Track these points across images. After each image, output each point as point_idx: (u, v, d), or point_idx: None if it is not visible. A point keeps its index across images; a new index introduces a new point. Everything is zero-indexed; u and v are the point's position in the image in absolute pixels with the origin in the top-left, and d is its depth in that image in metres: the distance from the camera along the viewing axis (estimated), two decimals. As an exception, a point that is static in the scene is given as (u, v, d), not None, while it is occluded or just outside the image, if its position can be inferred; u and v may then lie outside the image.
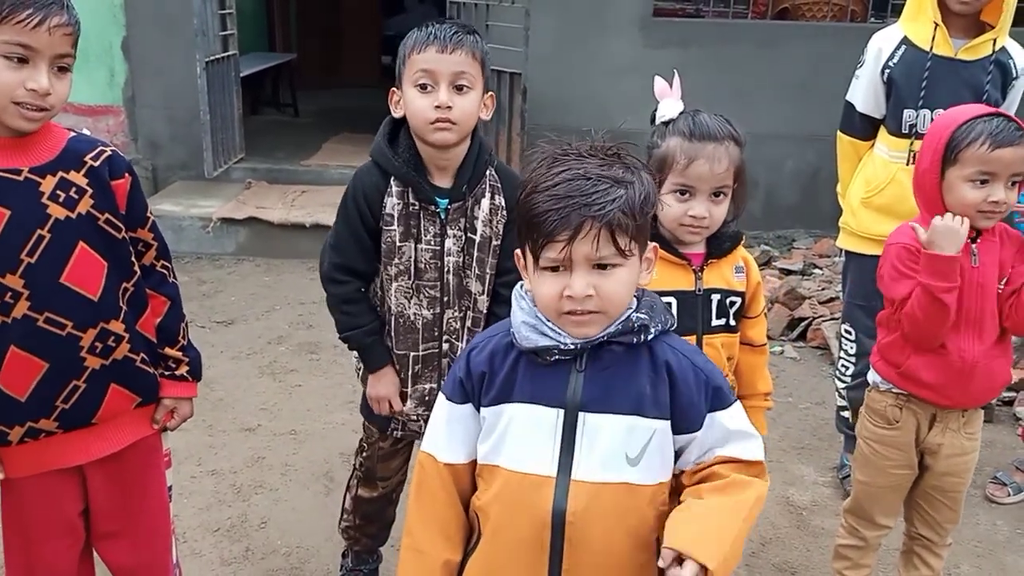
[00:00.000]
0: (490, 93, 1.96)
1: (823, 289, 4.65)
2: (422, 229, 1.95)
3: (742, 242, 1.93)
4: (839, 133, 2.95)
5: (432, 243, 1.96)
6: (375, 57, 9.75)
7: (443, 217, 1.95)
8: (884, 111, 2.78)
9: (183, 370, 1.83)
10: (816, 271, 5.01)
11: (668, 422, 1.36)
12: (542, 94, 5.39)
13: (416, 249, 1.96)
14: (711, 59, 5.56)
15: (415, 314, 1.99)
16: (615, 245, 1.26)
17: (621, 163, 1.30)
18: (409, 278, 1.97)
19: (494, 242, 2.00)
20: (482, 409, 1.39)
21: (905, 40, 2.70)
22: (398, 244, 1.95)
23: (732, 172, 1.79)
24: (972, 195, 1.92)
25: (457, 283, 2.00)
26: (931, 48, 2.65)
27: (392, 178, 1.93)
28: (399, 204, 1.93)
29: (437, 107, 1.84)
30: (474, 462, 1.42)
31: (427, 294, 1.99)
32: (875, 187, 2.79)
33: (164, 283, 1.82)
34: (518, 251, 1.38)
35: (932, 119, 2.64)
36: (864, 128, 2.85)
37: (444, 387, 1.45)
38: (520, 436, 1.36)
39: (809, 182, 5.75)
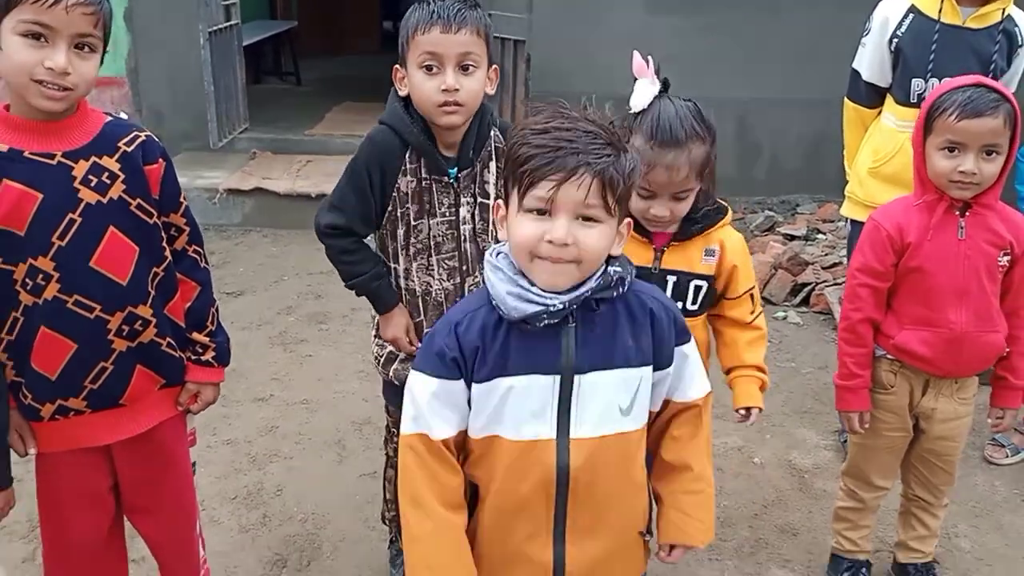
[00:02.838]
0: (494, 67, 1.94)
1: (826, 254, 4.68)
2: (436, 203, 1.96)
3: (723, 223, 1.91)
4: (846, 100, 2.97)
5: (447, 214, 1.98)
6: (376, 23, 9.70)
7: (456, 186, 1.97)
8: (890, 80, 2.80)
9: (209, 355, 1.86)
10: (820, 236, 5.04)
11: (651, 367, 1.44)
12: (545, 61, 5.37)
13: (432, 224, 1.97)
14: (714, 25, 5.54)
15: (438, 289, 2.02)
16: (603, 199, 1.29)
17: (614, 132, 1.35)
18: (429, 254, 1.99)
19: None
20: (474, 385, 1.40)
21: (913, 8, 2.71)
22: (414, 223, 1.97)
23: (694, 173, 1.78)
24: (942, 164, 1.95)
25: (475, 250, 2.02)
26: (939, 16, 2.66)
27: (408, 150, 1.93)
28: (412, 182, 1.95)
29: (444, 90, 1.83)
30: (462, 432, 1.44)
31: (446, 266, 2.01)
32: (882, 156, 2.81)
33: (195, 268, 1.84)
34: (498, 201, 1.40)
35: None
36: (870, 96, 2.87)
37: (424, 366, 1.42)
38: (518, 406, 1.39)
39: (813, 147, 5.75)
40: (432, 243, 1.99)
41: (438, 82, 1.84)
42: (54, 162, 1.60)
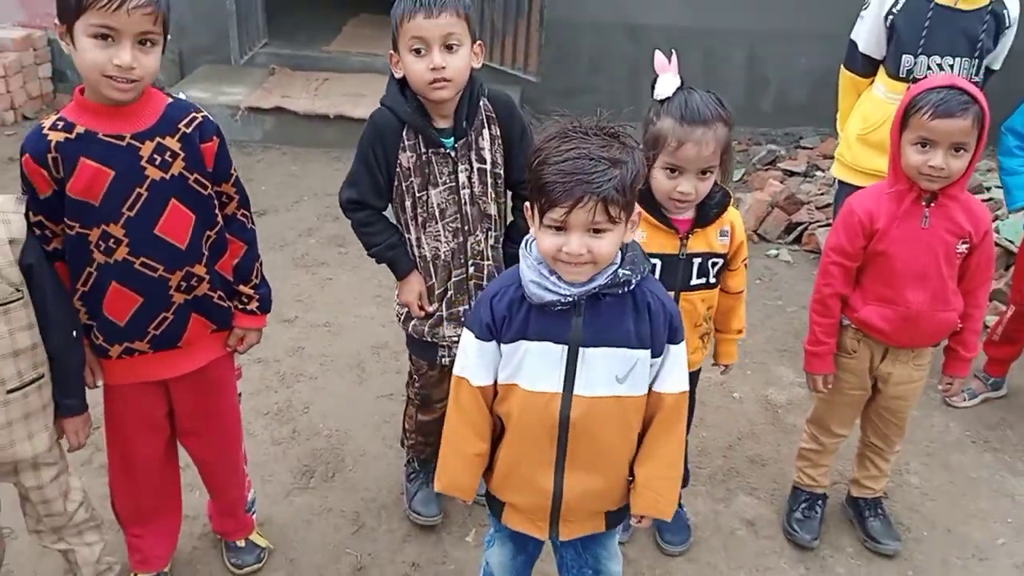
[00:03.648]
0: (478, 42, 2.15)
1: (822, 193, 4.88)
2: (436, 173, 2.19)
3: (729, 206, 2.16)
4: (842, 68, 3.15)
5: (448, 182, 2.21)
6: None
7: (454, 156, 2.19)
8: (884, 53, 2.97)
9: (253, 305, 2.14)
10: (818, 173, 5.21)
11: (649, 351, 1.72)
12: (561, -13, 5.45)
13: (435, 194, 2.21)
14: (730, -44, 5.60)
15: (445, 251, 2.26)
16: (607, 214, 1.56)
17: (619, 143, 1.59)
18: (436, 221, 2.24)
19: (496, 169, 2.26)
20: (503, 345, 1.73)
21: None
22: (418, 194, 2.20)
23: (719, 151, 2.00)
24: (915, 158, 2.16)
25: (475, 211, 2.25)
26: None
27: (405, 128, 2.16)
28: (413, 157, 2.18)
29: (432, 69, 2.05)
30: (496, 382, 1.78)
31: (450, 228, 2.25)
32: (871, 124, 3.01)
33: (243, 229, 2.10)
34: (527, 204, 1.67)
35: (929, 66, 2.85)
36: (865, 66, 3.05)
37: (471, 326, 1.75)
38: (533, 364, 1.71)
39: (820, 81, 5.84)
40: (437, 211, 2.22)
41: (426, 62, 2.06)
42: (124, 143, 1.84)
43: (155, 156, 1.87)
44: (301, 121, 5.29)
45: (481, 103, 2.22)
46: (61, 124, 1.82)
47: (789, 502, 2.73)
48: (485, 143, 2.23)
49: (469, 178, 2.22)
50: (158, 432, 2.20)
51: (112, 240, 1.88)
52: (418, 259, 2.30)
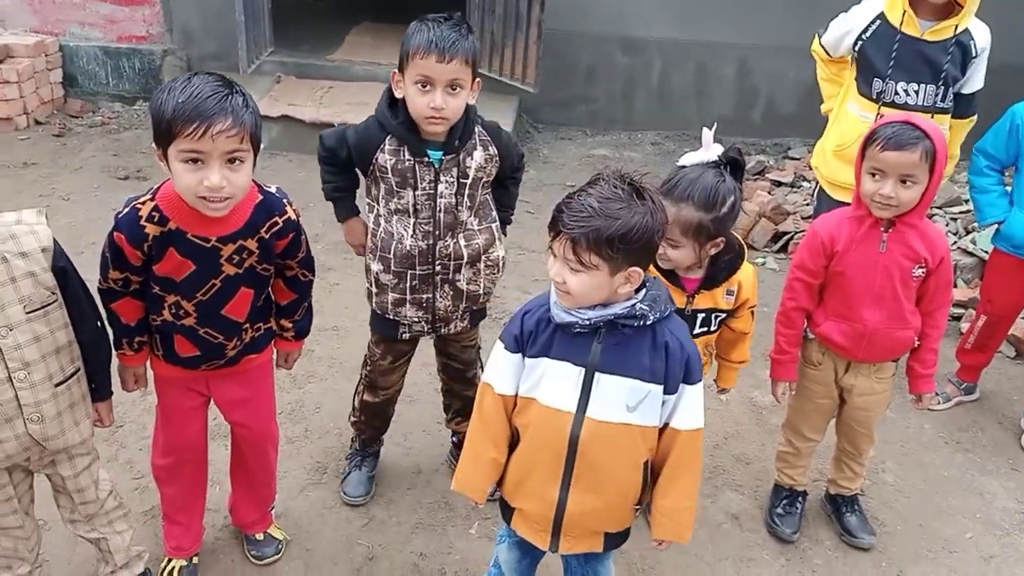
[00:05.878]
0: (477, 80, 2.32)
1: (807, 203, 5.08)
2: (418, 178, 2.37)
3: (741, 265, 2.30)
4: (815, 41, 3.37)
5: (427, 188, 2.38)
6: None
7: (437, 167, 2.36)
8: (839, 55, 3.23)
9: (289, 335, 2.38)
10: (804, 184, 5.42)
11: (661, 386, 1.85)
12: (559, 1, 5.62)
13: (414, 195, 2.38)
14: (722, -28, 5.79)
15: (412, 244, 2.42)
16: (576, 255, 1.73)
17: (637, 196, 1.73)
18: (408, 216, 2.41)
19: (484, 179, 2.44)
20: (527, 359, 1.90)
21: (881, 16, 3.06)
22: (396, 189, 2.38)
23: (680, 231, 2.16)
24: (868, 186, 2.34)
25: (449, 219, 2.42)
26: (900, 27, 3.01)
27: (388, 136, 2.34)
28: (391, 160, 2.35)
29: (432, 107, 2.23)
30: (517, 394, 1.94)
31: (422, 228, 2.42)
32: (846, 141, 3.20)
33: (298, 283, 2.30)
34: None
35: (896, 90, 3.04)
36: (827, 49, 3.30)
37: (504, 338, 1.92)
38: (552, 382, 1.87)
39: (807, 93, 6.02)
40: (411, 208, 2.40)
41: (428, 99, 2.24)
42: (208, 245, 2.03)
43: (234, 256, 2.07)
44: (307, 129, 5.45)
45: (476, 129, 2.40)
46: (156, 217, 1.99)
47: (771, 498, 2.92)
48: (475, 163, 2.39)
49: (450, 190, 2.39)
50: (202, 410, 2.39)
51: (183, 311, 2.12)
52: (383, 232, 2.44)
